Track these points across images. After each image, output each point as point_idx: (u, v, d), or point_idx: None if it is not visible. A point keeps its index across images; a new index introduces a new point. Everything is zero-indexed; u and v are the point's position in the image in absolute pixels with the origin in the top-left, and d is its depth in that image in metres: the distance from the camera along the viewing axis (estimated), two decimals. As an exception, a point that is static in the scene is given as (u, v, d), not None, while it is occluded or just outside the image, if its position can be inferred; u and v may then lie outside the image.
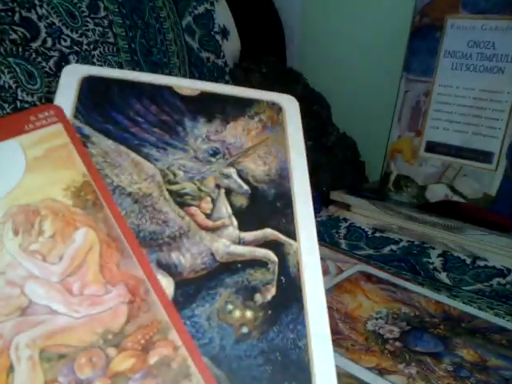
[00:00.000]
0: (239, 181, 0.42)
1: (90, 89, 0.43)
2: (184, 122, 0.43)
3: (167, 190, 0.39)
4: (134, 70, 0.67)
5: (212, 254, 0.37)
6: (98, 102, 0.42)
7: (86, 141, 0.40)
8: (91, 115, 0.41)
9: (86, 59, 0.61)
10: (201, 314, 0.34)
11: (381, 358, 0.47)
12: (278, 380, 0.33)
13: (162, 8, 0.72)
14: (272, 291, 0.37)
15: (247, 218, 0.40)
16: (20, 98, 0.54)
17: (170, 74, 0.73)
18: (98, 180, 0.37)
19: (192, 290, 0.35)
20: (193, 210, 0.39)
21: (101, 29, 0.63)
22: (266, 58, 0.89)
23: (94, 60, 0.63)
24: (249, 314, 0.35)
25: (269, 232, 0.40)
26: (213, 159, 0.42)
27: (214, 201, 0.40)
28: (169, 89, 0.45)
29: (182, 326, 0.33)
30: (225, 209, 0.40)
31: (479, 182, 0.76)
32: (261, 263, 0.38)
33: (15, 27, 0.55)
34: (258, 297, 0.36)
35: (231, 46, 0.85)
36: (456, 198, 0.77)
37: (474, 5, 0.74)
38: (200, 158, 0.42)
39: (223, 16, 0.83)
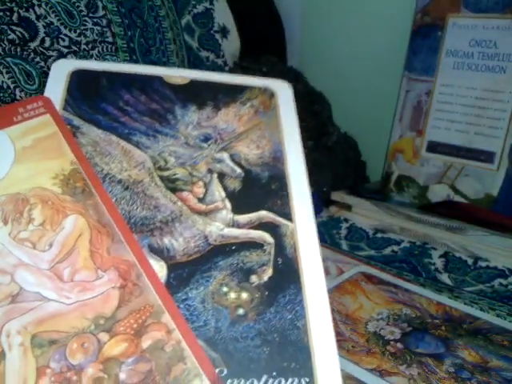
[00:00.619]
0: (232, 164, 0.41)
1: (79, 81, 0.43)
2: (174, 110, 0.43)
3: (158, 176, 0.39)
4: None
5: (205, 237, 0.37)
6: (87, 93, 0.42)
7: (75, 131, 0.39)
8: (80, 107, 0.41)
9: (84, 59, 0.61)
10: (195, 297, 0.34)
11: (382, 359, 0.47)
12: (277, 361, 0.32)
13: (160, 7, 0.72)
14: (268, 272, 0.36)
15: (241, 201, 0.40)
16: (18, 98, 0.54)
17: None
18: (87, 168, 0.37)
19: (185, 273, 0.35)
20: (185, 194, 0.39)
21: (99, 28, 0.63)
22: (266, 56, 0.88)
23: (93, 60, 0.63)
24: (245, 295, 0.35)
25: (263, 214, 0.39)
26: (204, 145, 0.42)
27: (206, 185, 0.40)
28: (158, 79, 0.45)
29: (176, 309, 0.32)
30: (218, 192, 0.39)
31: (481, 183, 0.74)
32: (256, 245, 0.37)
33: (13, 27, 0.55)
34: (253, 278, 0.36)
35: (231, 45, 0.84)
36: (458, 199, 0.76)
37: (475, 4, 0.73)
38: (191, 144, 0.42)
39: (223, 15, 0.82)
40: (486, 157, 0.74)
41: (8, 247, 0.33)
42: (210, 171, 0.40)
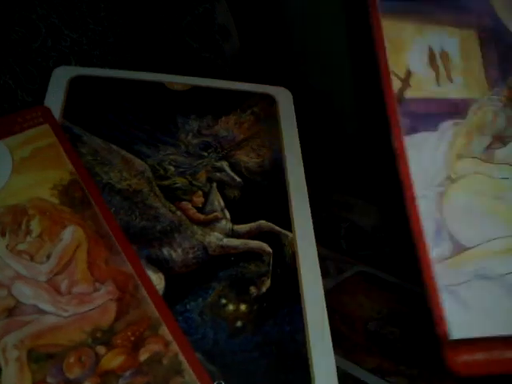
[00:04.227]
0: (231, 173, 0.41)
1: (80, 89, 0.42)
2: (175, 117, 0.43)
3: (158, 185, 0.39)
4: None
5: (204, 248, 0.36)
6: (88, 101, 0.42)
7: (76, 140, 0.39)
8: (81, 115, 0.41)
9: (85, 59, 0.61)
10: (193, 309, 0.34)
11: (382, 359, 0.46)
12: (275, 373, 0.32)
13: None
14: (267, 283, 0.36)
15: (240, 211, 0.39)
16: (20, 98, 0.54)
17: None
18: (86, 178, 0.37)
19: (184, 284, 0.35)
20: (184, 204, 0.38)
21: (101, 28, 0.63)
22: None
23: (94, 60, 0.62)
24: (243, 307, 0.34)
25: (263, 223, 0.39)
26: (204, 153, 0.42)
27: (206, 194, 0.39)
28: (160, 85, 0.44)
29: (173, 322, 0.32)
30: (217, 202, 0.39)
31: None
32: (255, 255, 0.37)
33: (15, 27, 0.54)
34: (252, 289, 0.35)
35: (231, 46, 0.84)
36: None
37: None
38: (191, 153, 0.41)
39: (223, 15, 0.82)
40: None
41: (5, 260, 0.33)
42: (210, 180, 0.40)
